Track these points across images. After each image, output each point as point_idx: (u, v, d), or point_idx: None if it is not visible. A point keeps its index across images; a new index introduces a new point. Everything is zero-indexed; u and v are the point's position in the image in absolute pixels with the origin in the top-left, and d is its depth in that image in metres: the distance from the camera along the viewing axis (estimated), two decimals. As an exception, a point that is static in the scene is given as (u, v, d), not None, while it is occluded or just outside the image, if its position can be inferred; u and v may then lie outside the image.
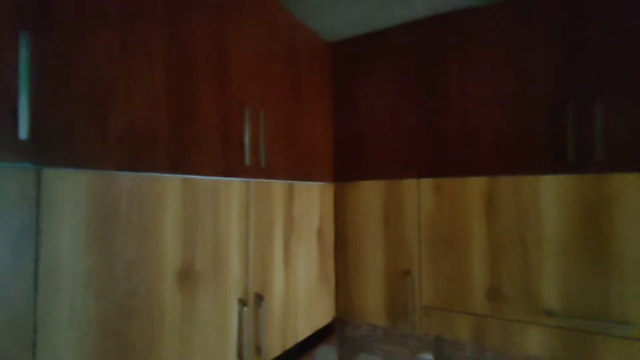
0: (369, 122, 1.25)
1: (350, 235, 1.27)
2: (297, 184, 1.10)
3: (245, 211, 0.89)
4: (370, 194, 1.23)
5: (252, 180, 0.92)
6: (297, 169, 1.10)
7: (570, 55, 0.96)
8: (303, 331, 1.10)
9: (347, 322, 1.64)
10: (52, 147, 0.54)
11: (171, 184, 0.71)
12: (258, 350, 0.90)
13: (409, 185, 1.16)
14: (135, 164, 0.65)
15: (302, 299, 1.11)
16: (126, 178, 0.63)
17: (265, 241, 0.96)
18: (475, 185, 1.06)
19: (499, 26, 1.05)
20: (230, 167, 0.85)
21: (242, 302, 0.87)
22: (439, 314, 1.10)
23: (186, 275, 0.73)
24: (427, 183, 1.13)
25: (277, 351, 0.99)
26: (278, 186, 1.01)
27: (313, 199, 1.17)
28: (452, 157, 1.10)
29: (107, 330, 0.60)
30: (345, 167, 1.29)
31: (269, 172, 0.98)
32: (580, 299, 0.93)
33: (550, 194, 0.96)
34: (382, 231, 1.20)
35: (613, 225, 0.90)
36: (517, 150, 1.02)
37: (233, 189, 0.85)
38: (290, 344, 1.04)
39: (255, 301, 0.91)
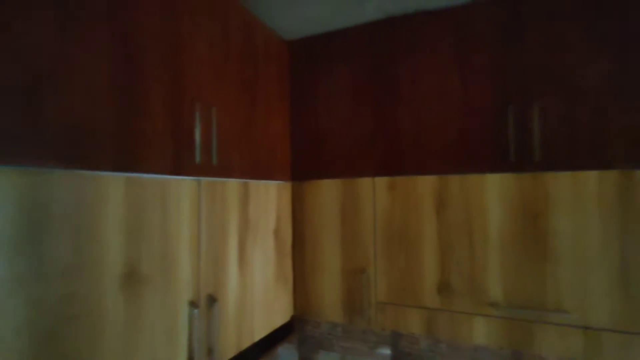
0: (327, 122, 1.26)
1: (307, 234, 1.27)
2: (254, 183, 1.09)
3: (196, 211, 0.87)
4: (327, 192, 1.24)
5: (204, 179, 0.89)
6: (254, 168, 1.09)
7: (509, 60, 1.02)
8: (260, 331, 1.10)
9: (307, 320, 1.64)
10: (-28, 143, 0.50)
11: (113, 183, 0.68)
12: (210, 351, 0.88)
13: (365, 184, 1.18)
14: (72, 161, 0.61)
15: (259, 299, 1.10)
16: (61, 176, 0.60)
17: (219, 241, 0.94)
18: (427, 184, 1.10)
19: (445, 31, 1.10)
20: (181, 165, 0.83)
21: (193, 304, 0.84)
22: (393, 309, 1.13)
23: (130, 278, 0.70)
24: (382, 182, 1.16)
25: (232, 352, 0.97)
26: (232, 185, 0.99)
27: (270, 198, 1.17)
28: (405, 156, 1.13)
29: (43, 338, 0.56)
30: (303, 166, 1.29)
31: (223, 171, 0.96)
32: (521, 290, 0.98)
33: (494, 192, 1.02)
34: (339, 229, 1.22)
35: (549, 220, 0.96)
36: (464, 150, 1.06)
37: (183, 188, 0.83)
38: (246, 344, 1.03)
39: (207, 303, 0.89)
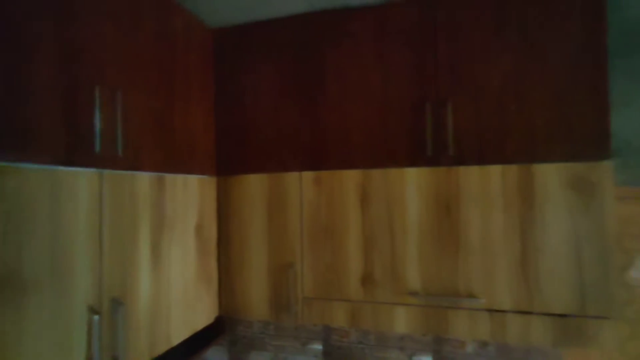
0: (253, 115, 1.22)
1: (233, 230, 1.22)
2: (170, 177, 1.02)
3: (97, 206, 0.78)
4: (254, 187, 1.20)
5: (108, 172, 0.81)
6: (170, 161, 1.02)
7: (425, 60, 1.07)
8: (178, 334, 1.03)
9: (238, 320, 1.59)
10: None
11: (-18, 174, 0.58)
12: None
13: (292, 179, 1.17)
14: None
15: (177, 301, 1.03)
16: None
17: (127, 240, 0.86)
18: (351, 178, 1.11)
19: (367, 28, 1.12)
20: (75, 155, 0.74)
21: (93, 310, 0.76)
22: (320, 304, 1.13)
23: (6, 284, 0.61)
24: (308, 176, 1.15)
25: (144, 358, 0.90)
26: (144, 179, 0.92)
27: (190, 193, 1.10)
28: (331, 150, 1.14)
29: None
30: (228, 160, 1.24)
31: (131, 163, 0.88)
32: (437, 278, 1.03)
33: (413, 186, 1.06)
34: (266, 225, 1.19)
35: (460, 212, 1.02)
36: (386, 145, 1.09)
37: (79, 180, 0.75)
38: (161, 349, 0.96)
39: (111, 307, 0.81)
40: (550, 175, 0.97)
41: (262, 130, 1.21)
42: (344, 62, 1.14)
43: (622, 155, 1.25)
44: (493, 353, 1.32)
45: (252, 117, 1.22)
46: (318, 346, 1.50)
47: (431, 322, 1.03)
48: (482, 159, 1.02)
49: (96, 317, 0.75)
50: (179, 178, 1.05)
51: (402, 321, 1.06)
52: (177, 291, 1.03)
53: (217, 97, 1.26)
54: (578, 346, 0.93)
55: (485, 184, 1.01)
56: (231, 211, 1.23)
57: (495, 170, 1.00)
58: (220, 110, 1.26)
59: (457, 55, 1.05)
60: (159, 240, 0.96)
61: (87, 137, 0.77)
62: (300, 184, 1.16)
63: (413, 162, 1.07)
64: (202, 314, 1.14)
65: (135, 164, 0.89)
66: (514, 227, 0.99)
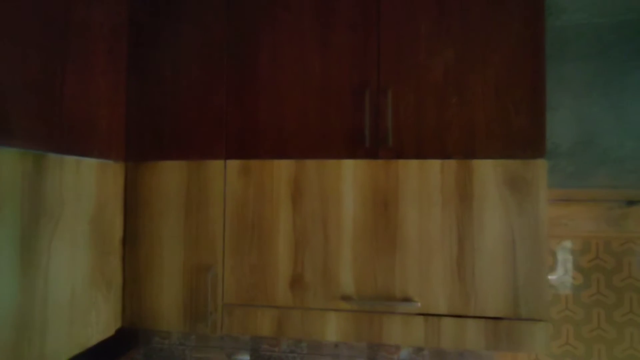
0: (174, 90, 1.06)
1: (143, 226, 1.04)
2: (56, 157, 0.82)
3: None
4: (169, 176, 1.03)
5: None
6: (55, 137, 0.82)
7: (367, 44, 0.99)
8: (58, 355, 0.83)
9: (154, 332, 1.39)
10: None
11: None
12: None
13: (215, 168, 1.02)
14: None
15: (59, 312, 0.83)
16: None
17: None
18: (283, 169, 0.99)
19: (309, 4, 1.01)
20: None
21: None
22: (242, 311, 0.99)
23: None
24: (234, 165, 1.01)
25: (0, 390, 0.70)
26: (11, 156, 0.72)
27: (85, 180, 0.91)
28: (262, 137, 1.01)
29: None
30: (140, 143, 1.06)
31: (-9, 134, 0.68)
32: (372, 281, 0.95)
33: (349, 179, 0.97)
34: (183, 221, 1.02)
35: (399, 208, 0.95)
36: (322, 134, 0.99)
37: None
38: (29, 375, 0.75)
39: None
40: (488, 172, 0.93)
41: (183, 109, 1.05)
42: (281, 38, 1.02)
43: (551, 158, 1.28)
44: (427, 357, 1.28)
45: (172, 93, 1.05)
46: (245, 357, 1.36)
47: (364, 329, 0.94)
48: (421, 153, 0.95)
49: None
50: (69, 160, 0.86)
51: (333, 328, 0.96)
52: (60, 299, 0.83)
53: (129, 66, 1.07)
54: (511, 349, 0.90)
55: (424, 179, 0.95)
56: (141, 203, 1.04)
57: (434, 165, 0.94)
58: (133, 82, 1.07)
59: (401, 43, 0.98)
60: (32, 234, 0.76)
61: None
62: (225, 174, 1.01)
63: (350, 154, 0.97)
64: (97, 326, 0.95)
65: (-3, 136, 0.69)
66: (451, 225, 0.93)
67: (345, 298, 0.95)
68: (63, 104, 0.84)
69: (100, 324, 0.95)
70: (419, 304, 0.92)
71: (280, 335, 0.97)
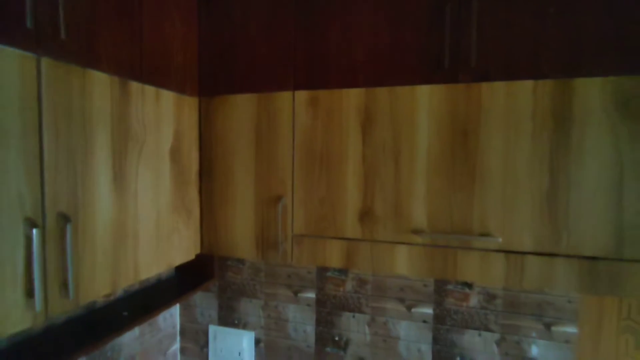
0: (243, 25, 1.04)
1: (217, 159, 1.08)
2: (138, 86, 0.86)
3: (33, 99, 0.63)
4: (240, 110, 1.05)
5: (47, 60, 0.66)
6: (139, 66, 0.86)
7: (452, -55, 0.87)
8: (149, 268, 0.91)
9: (228, 266, 1.49)
10: None
11: None
12: (65, 287, 0.69)
13: (283, 99, 1.00)
14: None
15: (147, 230, 0.90)
16: None
17: (78, 147, 0.72)
18: (352, 98, 0.95)
19: None
20: (-2, 27, 0.58)
21: (33, 223, 0.63)
22: (312, 242, 1.00)
23: None
24: (302, 96, 0.99)
25: (103, 290, 0.78)
26: (101, 79, 0.76)
27: (164, 110, 0.95)
28: (330, 65, 0.97)
29: None
30: (212, 78, 1.08)
31: (82, 54, 0.72)
32: (447, 214, 0.89)
33: (424, 106, 0.89)
34: (254, 153, 1.04)
35: (480, 137, 0.86)
36: (394, 59, 0.92)
37: (4, 61, 0.59)
38: (126, 282, 0.84)
39: (57, 223, 0.68)
40: (593, 93, 0.79)
41: (251, 42, 1.03)
42: (349, -43, 0.94)
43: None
44: (500, 307, 1.21)
45: (242, 25, 1.04)
46: (311, 294, 1.40)
47: (437, 264, 0.90)
48: (510, 74, 0.84)
49: (35, 230, 0.62)
50: (150, 89, 0.90)
51: (404, 262, 0.93)
52: (148, 218, 0.90)
53: (200, 6, 1.08)
54: (606, 292, 0.80)
55: (512, 104, 0.84)
56: (214, 137, 1.08)
57: (525, 87, 0.83)
58: (205, 21, 1.07)
59: (488, -53, 0.84)
60: (122, 156, 0.82)
61: (14, 5, 0.60)
62: (293, 106, 1.00)
63: (426, 79, 0.89)
64: (180, 249, 1.02)
65: (87, 57, 0.73)
66: (543, 156, 0.83)
67: (417, 231, 0.91)
68: (143, 34, 0.87)
69: (182, 247, 1.03)
70: (500, 240, 0.84)
71: (349, 267, 0.97)
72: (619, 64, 0.78)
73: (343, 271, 1.35)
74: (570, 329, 1.15)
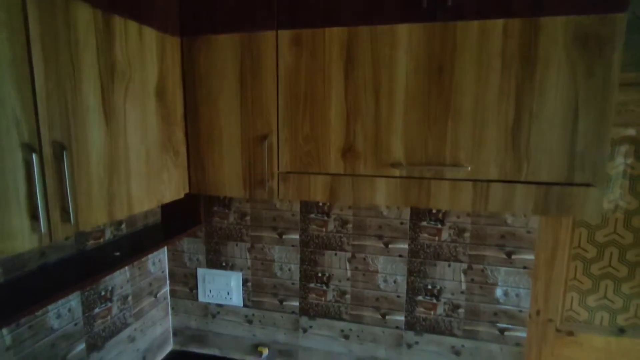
0: (221, -39, 1.03)
1: (201, 100, 1.10)
2: (121, 21, 0.86)
3: (20, 28, 0.63)
4: (223, 51, 1.05)
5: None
6: (121, 1, 0.85)
7: None
8: (141, 203, 0.95)
9: (214, 212, 1.55)
10: None
11: None
12: (66, 212, 0.72)
13: (267, 39, 1.02)
14: None
15: (138, 164, 0.94)
16: None
17: (67, 78, 0.73)
18: (335, 37, 0.98)
19: None
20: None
21: (31, 148, 0.66)
22: (297, 178, 1.06)
23: None
24: (285, 35, 1.01)
25: (100, 219, 0.83)
26: (82, 10, 0.76)
27: (147, 48, 0.95)
28: (312, 4, 0.98)
29: None
30: (195, 18, 1.07)
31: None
32: (421, 148, 0.97)
33: (403, 45, 0.94)
34: (238, 94, 1.06)
35: (454, 74, 0.92)
36: (376, -4, 0.94)
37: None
38: (122, 214, 0.88)
39: (53, 150, 0.70)
40: (557, 31, 0.86)
41: (231, -21, 1.03)
42: None
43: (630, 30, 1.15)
44: (468, 239, 1.33)
45: (220, -37, 1.03)
46: (295, 236, 1.49)
47: (413, 194, 0.99)
48: (482, 13, 0.89)
49: (34, 155, 0.65)
50: (132, 25, 0.89)
51: (383, 194, 1.01)
52: (138, 155, 0.93)
53: (175, -64, 1.05)
54: (560, 214, 0.91)
55: (484, 43, 0.90)
56: (198, 78, 1.09)
57: (496, 26, 0.89)
58: (181, -48, 1.05)
59: None
60: (109, 92, 0.83)
61: None
62: (277, 45, 1.02)
63: (406, 16, 0.93)
64: (170, 187, 1.07)
65: (69, -15, 0.72)
66: (509, 91, 0.90)
67: (395, 165, 0.98)
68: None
69: (171, 185, 1.07)
70: (469, 168, 0.93)
71: (332, 201, 1.04)
72: (581, 3, 0.84)
73: (326, 212, 1.43)
74: (528, 256, 1.29)
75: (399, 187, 0.99)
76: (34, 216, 0.66)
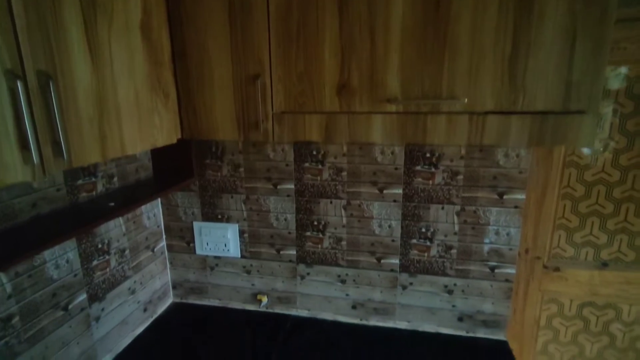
0: None
1: (190, 39, 1.05)
2: (97, -56, 0.79)
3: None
4: (209, -17, 1.00)
5: None
6: None
7: None
8: (134, 144, 0.93)
9: (207, 165, 1.53)
10: None
11: None
12: (57, 146, 0.70)
13: (255, -31, 0.97)
14: None
15: (128, 104, 0.91)
16: None
17: (47, 9, 0.68)
18: (328, -34, 0.93)
19: None
20: None
21: (14, 75, 0.62)
22: (292, 118, 1.04)
23: None
24: (275, -35, 0.95)
25: (94, 157, 0.81)
26: None
27: (127, -24, 0.89)
28: None
29: None
30: (175, -53, 1.00)
31: None
32: (418, 83, 0.95)
33: (400, -30, 0.90)
34: (228, 32, 1.02)
35: (451, 8, 0.89)
36: None
37: None
38: (114, 153, 0.86)
39: (38, 81, 0.67)
40: (558, -48, 0.83)
41: None
42: None
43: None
44: (461, 182, 1.35)
45: None
46: (290, 185, 1.49)
47: (409, 130, 0.99)
48: None
49: (19, 82, 0.61)
50: (109, -50, 0.83)
51: (379, 131, 1.00)
52: (127, 94, 0.90)
53: None
54: (554, 144, 0.92)
55: (482, -33, 0.86)
56: (185, 15, 1.03)
57: (496, -52, 0.85)
58: None
59: None
60: (93, 26, 0.79)
61: None
62: (266, -23, 0.96)
63: (401, -59, 0.88)
64: (162, 131, 1.04)
65: None
66: (507, 19, 0.88)
67: (391, 100, 0.97)
68: None
69: (163, 129, 1.04)
70: (466, 100, 0.93)
71: (327, 140, 1.03)
72: None
73: (320, 161, 1.43)
74: (520, 196, 1.32)
75: (395, 123, 0.99)
76: (24, 147, 0.64)
